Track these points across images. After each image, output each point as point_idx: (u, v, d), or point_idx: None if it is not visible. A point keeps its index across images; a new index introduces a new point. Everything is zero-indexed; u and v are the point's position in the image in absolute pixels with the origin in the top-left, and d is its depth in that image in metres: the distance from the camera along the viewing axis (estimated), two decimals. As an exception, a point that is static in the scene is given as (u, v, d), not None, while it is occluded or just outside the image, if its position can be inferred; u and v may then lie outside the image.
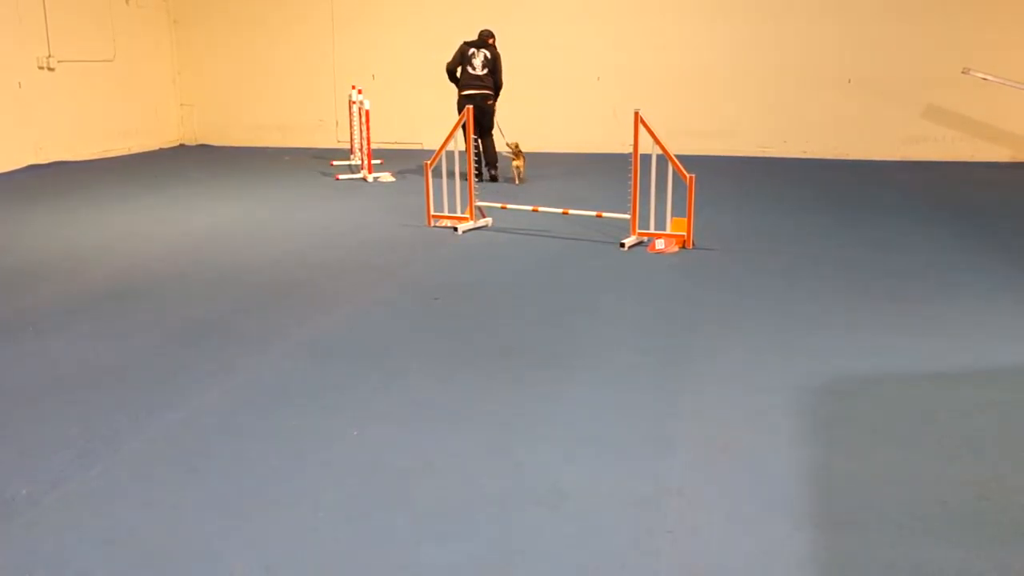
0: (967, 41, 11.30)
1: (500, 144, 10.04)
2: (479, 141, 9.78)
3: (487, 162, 9.95)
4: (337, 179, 10.28)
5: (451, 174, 7.45)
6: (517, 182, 9.84)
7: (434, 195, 7.57)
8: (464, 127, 9.35)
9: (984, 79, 10.88)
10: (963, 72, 10.98)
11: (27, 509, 2.93)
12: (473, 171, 9.66)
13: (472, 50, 9.77)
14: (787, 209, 8.25)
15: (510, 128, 10.14)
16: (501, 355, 4.36)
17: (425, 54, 12.92)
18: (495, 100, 9.85)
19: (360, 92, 10.51)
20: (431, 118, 12.53)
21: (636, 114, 6.63)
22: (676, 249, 6.56)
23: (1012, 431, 3.47)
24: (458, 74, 9.80)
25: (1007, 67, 11.03)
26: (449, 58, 9.88)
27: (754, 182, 9.95)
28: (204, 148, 13.82)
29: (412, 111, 13.05)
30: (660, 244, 6.59)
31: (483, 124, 9.75)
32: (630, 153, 6.81)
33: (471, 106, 7.90)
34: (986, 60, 11.11)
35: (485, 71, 9.76)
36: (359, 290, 5.58)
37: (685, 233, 6.61)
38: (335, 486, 3.07)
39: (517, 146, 9.80)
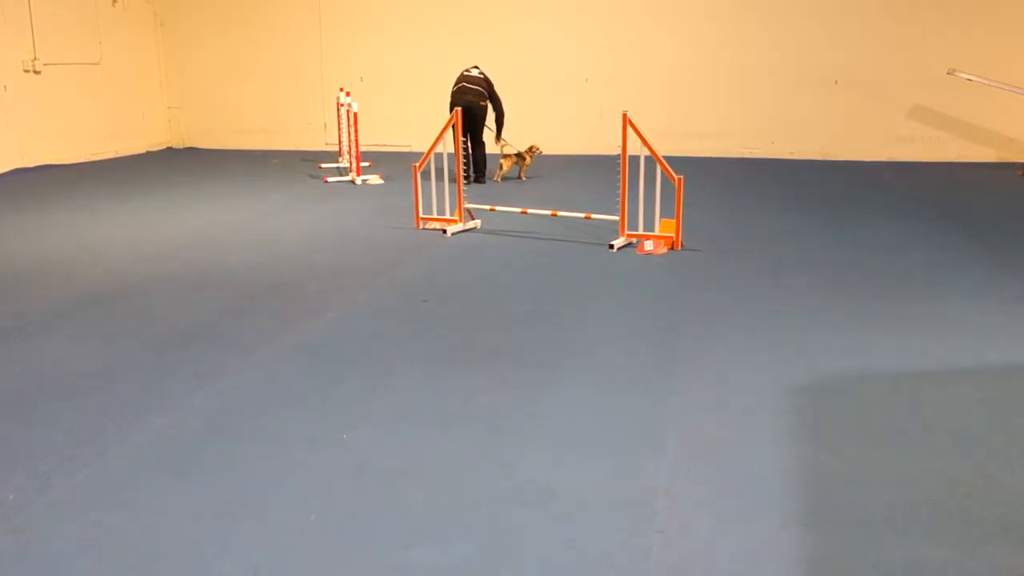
0: (953, 42, 11.36)
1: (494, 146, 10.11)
2: (468, 143, 9.78)
3: (475, 166, 9.94)
4: (326, 181, 10.26)
5: (440, 176, 7.44)
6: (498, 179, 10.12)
7: (423, 197, 7.56)
8: (463, 129, 9.41)
9: (969, 80, 10.95)
10: (949, 73, 11.04)
11: (13, 514, 2.91)
12: (462, 173, 9.70)
13: (468, 66, 10.14)
14: (774, 210, 8.28)
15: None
16: (490, 357, 4.36)
17: (413, 56, 12.92)
18: (489, 105, 9.91)
19: (348, 94, 10.49)
20: (420, 120, 12.51)
21: (624, 116, 6.64)
22: (665, 250, 6.57)
23: (999, 429, 3.49)
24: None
25: (992, 68, 11.09)
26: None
27: (742, 183, 9.98)
28: (192, 151, 13.76)
29: (400, 113, 13.03)
30: (649, 245, 6.60)
31: (473, 126, 9.75)
32: (618, 155, 6.82)
33: (460, 107, 7.92)
34: (971, 61, 11.17)
35: (481, 76, 9.97)
36: (347, 293, 5.57)
37: (673, 234, 6.62)
38: (324, 489, 3.06)
39: (530, 149, 10.22)
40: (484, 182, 9.96)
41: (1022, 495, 2.97)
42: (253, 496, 3.02)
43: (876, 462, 3.22)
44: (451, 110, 9.43)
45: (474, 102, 9.69)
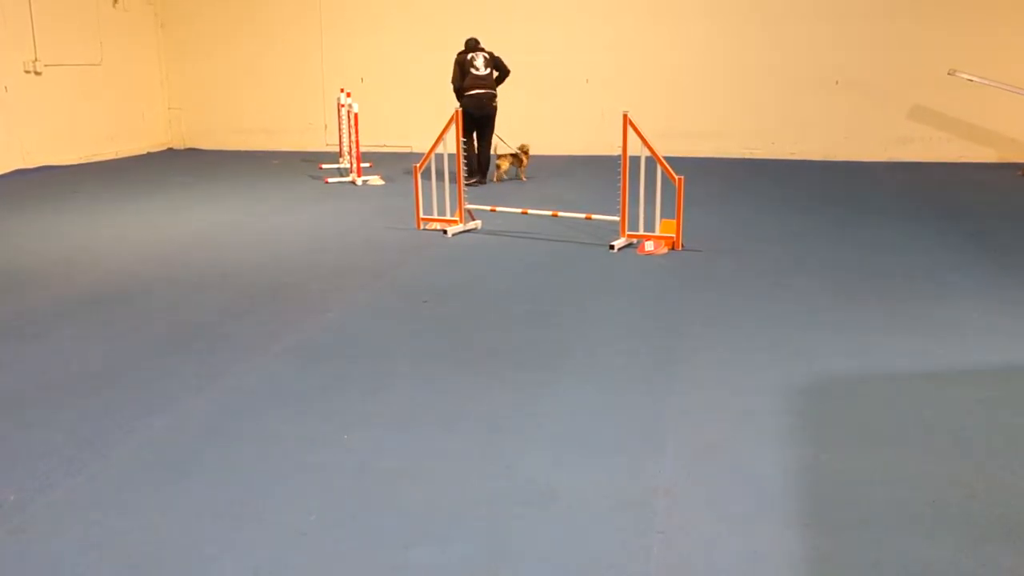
0: (953, 43, 11.36)
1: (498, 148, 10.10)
2: (471, 143, 9.73)
3: (480, 165, 9.89)
4: (326, 182, 10.26)
5: (440, 177, 7.44)
6: (496, 180, 10.09)
7: (423, 198, 7.56)
8: (464, 129, 9.31)
9: (970, 80, 10.95)
10: (949, 73, 11.04)
11: (14, 515, 2.91)
12: (464, 174, 9.65)
13: (471, 55, 9.74)
14: (775, 210, 8.28)
15: (501, 129, 10.12)
16: (490, 357, 4.36)
17: (414, 57, 12.93)
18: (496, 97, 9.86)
19: (349, 95, 10.50)
20: (420, 121, 12.53)
21: (625, 116, 6.64)
22: (665, 250, 6.57)
23: (999, 429, 3.49)
24: (464, 81, 9.67)
25: (993, 68, 11.09)
26: (451, 74, 9.85)
27: (742, 183, 9.98)
28: (192, 152, 13.77)
29: (401, 114, 13.04)
30: (649, 246, 6.60)
31: (485, 126, 9.71)
32: (619, 155, 6.82)
33: (470, 108, 7.90)
34: (972, 61, 11.17)
35: (488, 71, 9.71)
36: (348, 293, 5.57)
37: (674, 235, 6.62)
38: (324, 489, 3.06)
39: (522, 148, 10.10)
40: (485, 183, 9.93)
41: (1022, 496, 2.97)
42: (253, 496, 3.02)
43: (876, 462, 3.22)
44: (466, 109, 9.43)
45: (487, 104, 9.65)
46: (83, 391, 3.97)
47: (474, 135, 9.80)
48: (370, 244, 6.98)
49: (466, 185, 9.50)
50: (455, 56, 9.80)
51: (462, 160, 8.28)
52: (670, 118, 12.03)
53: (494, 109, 9.76)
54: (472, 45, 9.85)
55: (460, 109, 7.69)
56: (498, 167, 10.08)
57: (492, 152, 10.06)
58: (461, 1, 12.68)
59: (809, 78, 11.89)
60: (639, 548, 2.68)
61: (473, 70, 9.67)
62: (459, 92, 9.72)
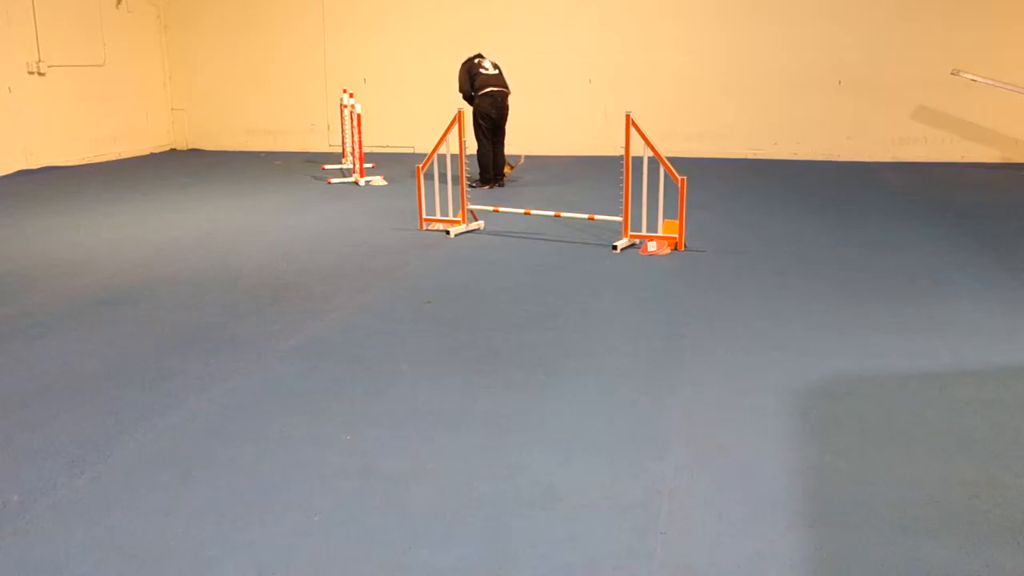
0: (956, 42, 11.35)
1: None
2: (488, 146, 9.66)
3: (496, 167, 9.80)
4: (329, 183, 10.27)
5: (443, 178, 7.45)
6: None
7: (426, 199, 7.56)
8: (479, 129, 9.26)
9: (973, 80, 10.93)
10: (952, 73, 11.03)
11: (18, 516, 2.91)
12: (477, 178, 9.63)
13: (477, 59, 9.71)
14: (778, 210, 8.28)
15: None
16: (493, 358, 4.36)
17: (416, 57, 12.94)
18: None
19: (352, 96, 10.51)
20: (423, 122, 12.54)
21: (627, 116, 6.64)
22: (668, 251, 6.57)
23: (1003, 430, 3.48)
24: (474, 83, 9.57)
25: (996, 68, 11.08)
26: (456, 80, 9.76)
27: (745, 184, 9.97)
28: (195, 152, 13.79)
29: (404, 115, 13.05)
30: (652, 246, 6.60)
31: (501, 125, 9.66)
32: (622, 155, 6.82)
33: (488, 108, 7.91)
34: (975, 61, 11.16)
35: (497, 71, 9.69)
36: (351, 294, 5.58)
37: (677, 235, 6.62)
38: (328, 490, 3.07)
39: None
40: (503, 184, 9.85)
41: (1026, 496, 2.97)
42: (257, 497, 3.02)
43: (880, 463, 3.22)
44: (483, 108, 9.40)
45: (503, 103, 9.62)
46: (86, 391, 3.98)
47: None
48: (373, 245, 6.98)
49: (486, 188, 9.50)
50: (461, 65, 9.74)
51: (479, 164, 8.21)
52: (673, 118, 12.03)
53: (508, 108, 9.70)
54: (476, 54, 9.83)
55: (462, 111, 7.68)
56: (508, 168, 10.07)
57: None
58: (463, 2, 12.69)
59: (812, 78, 11.88)
60: (642, 549, 2.68)
61: (483, 70, 9.60)
62: (472, 94, 9.61)
